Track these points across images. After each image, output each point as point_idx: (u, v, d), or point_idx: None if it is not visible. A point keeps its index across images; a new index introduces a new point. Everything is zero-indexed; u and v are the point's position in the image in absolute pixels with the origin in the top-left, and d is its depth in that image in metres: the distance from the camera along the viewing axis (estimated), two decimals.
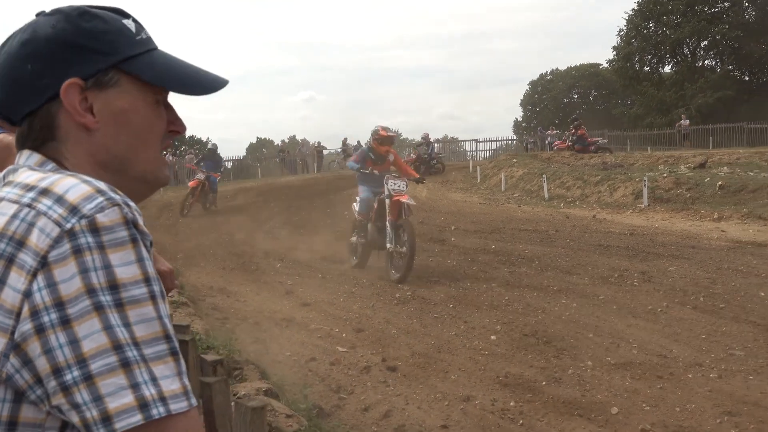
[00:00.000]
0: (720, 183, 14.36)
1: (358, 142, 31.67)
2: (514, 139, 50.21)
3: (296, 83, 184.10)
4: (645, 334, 6.18)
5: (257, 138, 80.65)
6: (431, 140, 28.60)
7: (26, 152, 0.98)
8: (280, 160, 40.38)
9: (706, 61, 48.31)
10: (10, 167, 0.99)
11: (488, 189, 21.49)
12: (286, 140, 53.43)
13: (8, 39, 0.99)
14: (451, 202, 18.95)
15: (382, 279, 9.28)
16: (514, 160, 24.32)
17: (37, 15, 1.00)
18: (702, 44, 47.26)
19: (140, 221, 0.89)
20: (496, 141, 44.56)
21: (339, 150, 39.62)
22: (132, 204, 0.89)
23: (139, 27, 1.03)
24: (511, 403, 4.85)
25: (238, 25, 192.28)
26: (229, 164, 40.60)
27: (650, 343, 5.90)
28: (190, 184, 17.53)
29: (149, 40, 1.04)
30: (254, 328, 7.03)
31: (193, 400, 0.88)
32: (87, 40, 0.96)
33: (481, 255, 10.60)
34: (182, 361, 0.89)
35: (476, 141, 42.67)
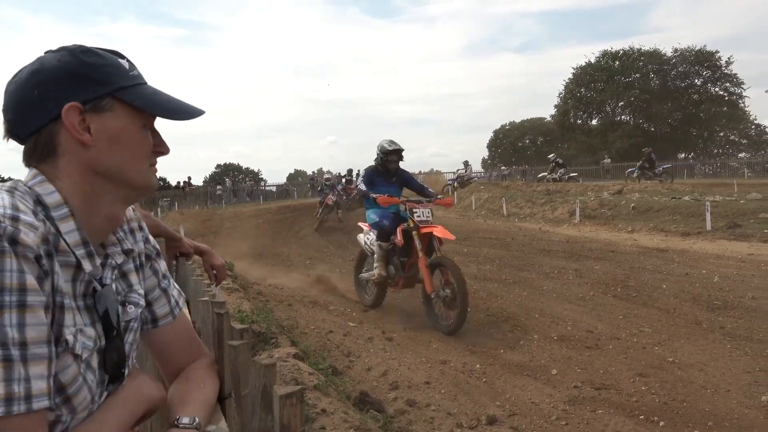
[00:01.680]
0: (633, 205, 14.27)
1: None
2: (482, 172, 50.08)
3: (324, 130, 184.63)
4: (577, 315, 6.09)
5: (294, 169, 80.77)
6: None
7: (28, 170, 0.91)
8: (310, 186, 40.35)
9: (622, 117, 48.45)
10: None
11: (463, 208, 21.40)
12: (316, 171, 53.42)
13: (19, 71, 0.92)
14: (435, 217, 18.87)
15: None
16: (482, 187, 24.27)
17: (46, 52, 0.94)
18: (619, 104, 47.45)
19: (21, 237, 0.76)
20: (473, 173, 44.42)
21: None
22: (24, 219, 0.78)
23: (132, 66, 0.96)
24: (477, 366, 4.77)
25: (283, 88, 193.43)
26: (273, 188, 40.65)
27: (581, 322, 5.81)
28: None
29: (140, 76, 0.97)
30: (288, 308, 6.96)
31: (15, 407, 0.71)
32: (87, 71, 0.89)
33: (457, 256, 10.47)
34: (16, 369, 0.72)
35: (455, 173, 42.48)
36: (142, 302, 1.03)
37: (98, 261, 0.90)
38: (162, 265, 1.13)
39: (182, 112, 0.96)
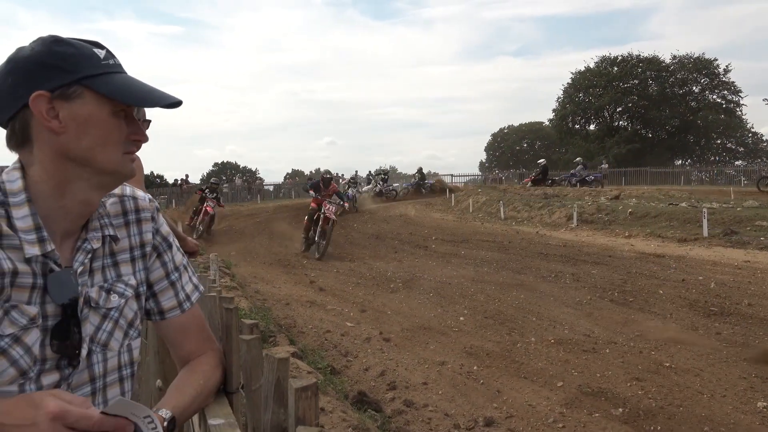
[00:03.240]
0: (630, 210, 14.31)
1: (369, 172, 31.46)
2: (479, 175, 50.11)
3: (321, 131, 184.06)
4: (574, 319, 6.11)
5: (292, 169, 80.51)
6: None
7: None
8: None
9: (620, 122, 48.56)
10: None
11: (460, 210, 21.41)
12: (313, 171, 53.38)
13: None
14: (432, 219, 18.90)
15: (381, 274, 9.20)
16: (479, 190, 24.28)
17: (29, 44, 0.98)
18: (617, 110, 47.56)
19: None
20: (467, 176, 44.64)
21: (350, 179, 39.29)
22: None
23: (109, 55, 0.97)
24: (475, 368, 4.78)
25: (280, 88, 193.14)
26: (271, 188, 40.58)
27: (578, 326, 5.83)
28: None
29: (116, 65, 0.98)
30: (286, 307, 6.96)
31: None
32: (55, 60, 0.91)
33: (454, 258, 10.53)
34: None
35: (452, 175, 42.43)
36: (129, 292, 1.04)
37: (50, 246, 0.92)
38: (176, 258, 1.14)
39: (152, 99, 0.97)
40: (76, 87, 0.92)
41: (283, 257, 11.56)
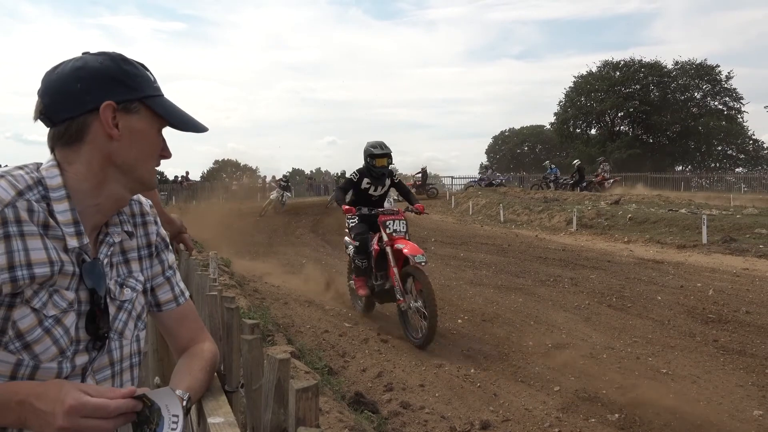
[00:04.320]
0: (629, 215, 14.33)
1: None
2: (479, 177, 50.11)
3: (323, 130, 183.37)
4: (572, 323, 6.12)
5: (292, 168, 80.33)
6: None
7: (51, 155, 1.05)
8: (308, 185, 40.29)
9: (622, 127, 48.54)
10: None
11: (460, 213, 21.44)
12: (314, 171, 53.38)
13: (60, 65, 1.04)
14: (431, 221, 18.90)
15: None
16: (479, 193, 24.30)
17: (84, 53, 1.06)
18: (619, 114, 47.55)
19: (24, 216, 0.93)
20: (467, 178, 44.43)
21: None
22: (20, 204, 0.94)
23: (155, 79, 1.10)
24: (472, 370, 4.78)
25: (281, 87, 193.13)
26: None
27: (576, 331, 5.84)
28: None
29: (160, 88, 1.10)
30: (284, 306, 6.97)
31: None
32: (124, 77, 1.03)
33: (453, 260, 10.54)
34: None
35: (452, 177, 42.32)
36: (139, 287, 1.14)
37: (86, 239, 1.01)
38: (169, 257, 1.25)
39: (191, 125, 1.10)
40: (137, 104, 1.04)
41: (282, 256, 11.57)
